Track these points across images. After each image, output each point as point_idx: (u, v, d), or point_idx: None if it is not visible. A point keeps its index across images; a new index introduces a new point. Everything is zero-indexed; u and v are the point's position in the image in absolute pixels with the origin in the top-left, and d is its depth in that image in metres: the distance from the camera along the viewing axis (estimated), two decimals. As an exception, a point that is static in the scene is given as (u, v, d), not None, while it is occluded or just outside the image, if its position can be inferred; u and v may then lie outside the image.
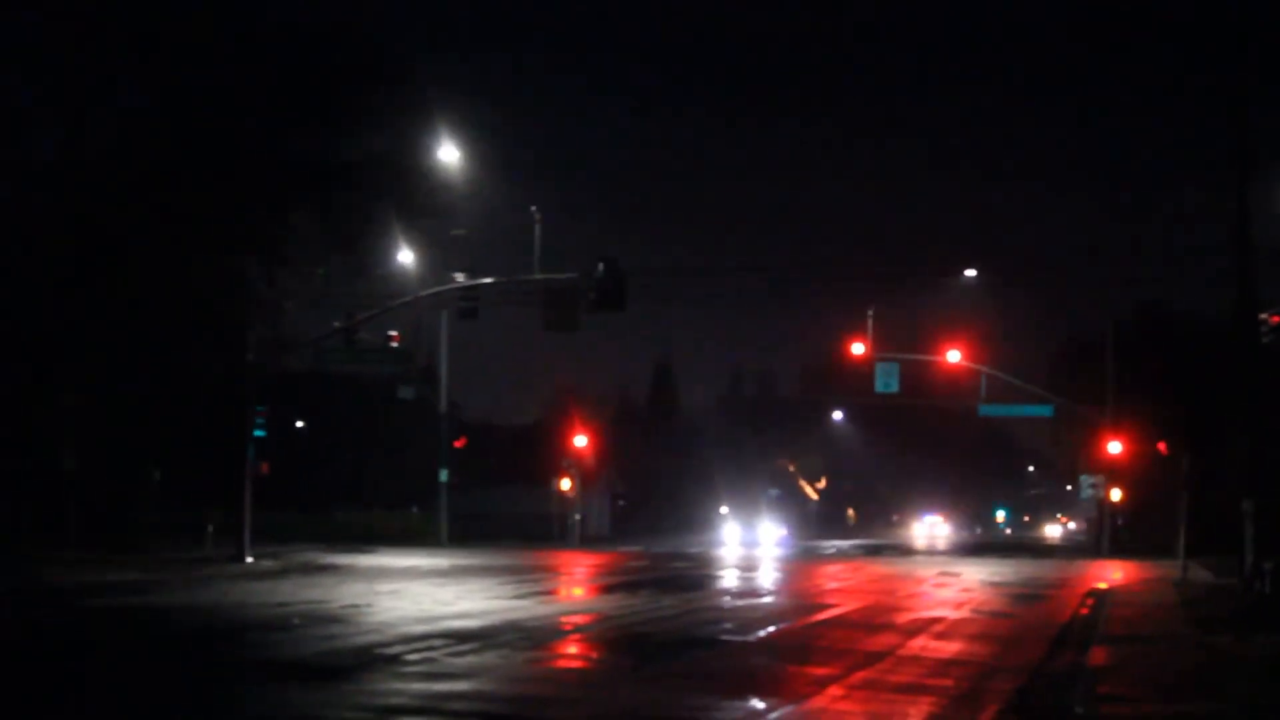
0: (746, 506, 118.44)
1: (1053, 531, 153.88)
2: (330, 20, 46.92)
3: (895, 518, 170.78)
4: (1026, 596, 39.65)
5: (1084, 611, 34.05)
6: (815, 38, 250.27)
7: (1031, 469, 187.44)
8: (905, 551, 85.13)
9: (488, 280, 55.54)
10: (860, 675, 20.06)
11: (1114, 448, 75.25)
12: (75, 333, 45.78)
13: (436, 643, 22.77)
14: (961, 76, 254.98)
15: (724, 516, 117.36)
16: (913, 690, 18.95)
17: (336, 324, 55.35)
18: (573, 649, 24.66)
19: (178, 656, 22.19)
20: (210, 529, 50.06)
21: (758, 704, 17.26)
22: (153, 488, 54.72)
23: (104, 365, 46.65)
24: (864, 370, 77.30)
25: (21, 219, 43.84)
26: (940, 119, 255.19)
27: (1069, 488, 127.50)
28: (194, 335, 48.80)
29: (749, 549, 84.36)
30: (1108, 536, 78.02)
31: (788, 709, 16.98)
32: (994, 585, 44.56)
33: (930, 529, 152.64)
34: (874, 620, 30.00)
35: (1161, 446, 69.05)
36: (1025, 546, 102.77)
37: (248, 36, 45.53)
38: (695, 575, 49.30)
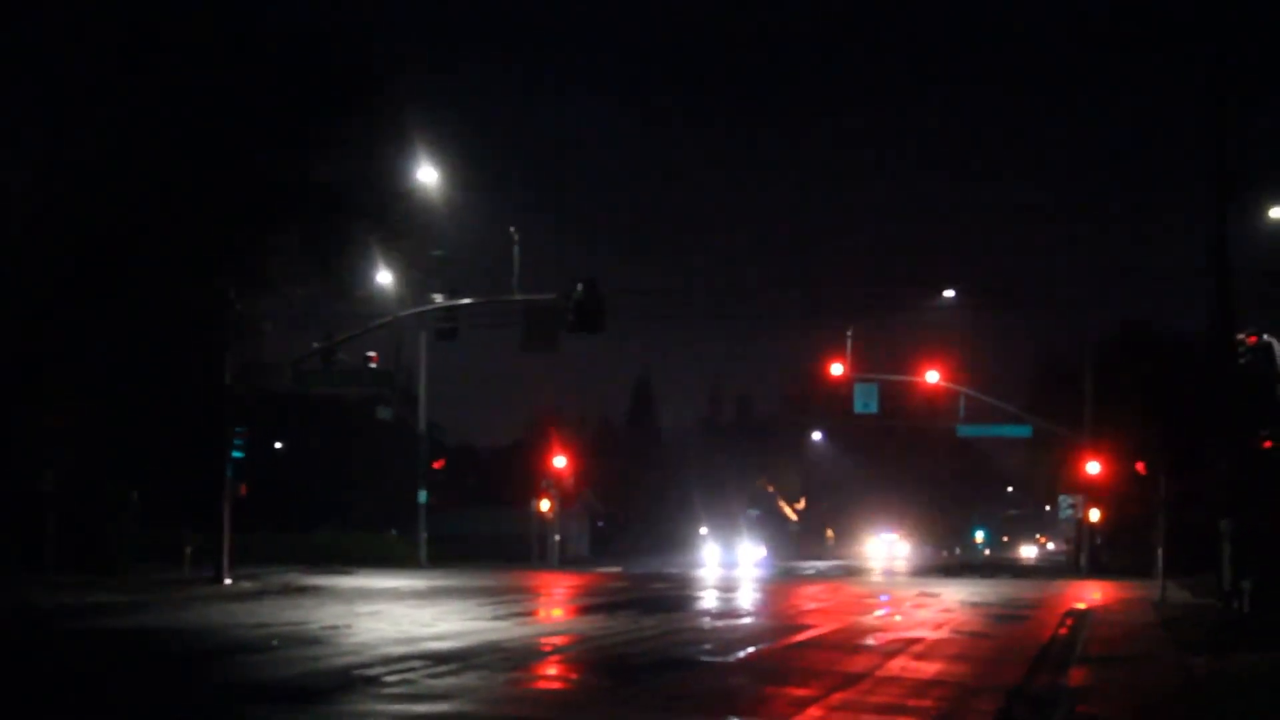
0: (726, 527, 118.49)
1: (1028, 552, 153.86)
2: (308, 42, 46.90)
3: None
4: (1006, 617, 39.68)
5: (1063, 632, 34.09)
6: (791, 56, 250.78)
7: (1010, 489, 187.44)
8: (885, 572, 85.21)
9: (467, 301, 55.53)
10: (839, 696, 20.07)
11: (1092, 468, 75.39)
12: (53, 353, 45.68)
13: (416, 664, 22.74)
14: (940, 97, 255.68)
15: (703, 537, 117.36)
16: (892, 711, 18.98)
17: (315, 345, 55.27)
18: (552, 670, 24.65)
19: (157, 678, 22.12)
20: (189, 550, 49.92)
21: (737, 725, 17.27)
22: (131, 508, 54.55)
23: (82, 385, 46.55)
24: (843, 391, 77.45)
25: (-2, 239, 43.81)
26: (919, 140, 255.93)
27: (1048, 508, 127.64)
28: (173, 356, 48.72)
29: (728, 569, 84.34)
30: (1087, 557, 78.19)
31: (767, 730, 16.99)
32: (973, 605, 44.56)
33: (888, 547, 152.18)
34: (853, 641, 29.99)
35: (1140, 467, 69.04)
36: (1004, 567, 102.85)
37: (226, 57, 45.50)
38: (675, 596, 49.27)
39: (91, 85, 44.75)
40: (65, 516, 43.70)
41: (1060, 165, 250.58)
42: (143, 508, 54.56)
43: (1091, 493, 76.90)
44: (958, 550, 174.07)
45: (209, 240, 46.19)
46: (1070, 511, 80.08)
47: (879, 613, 40.60)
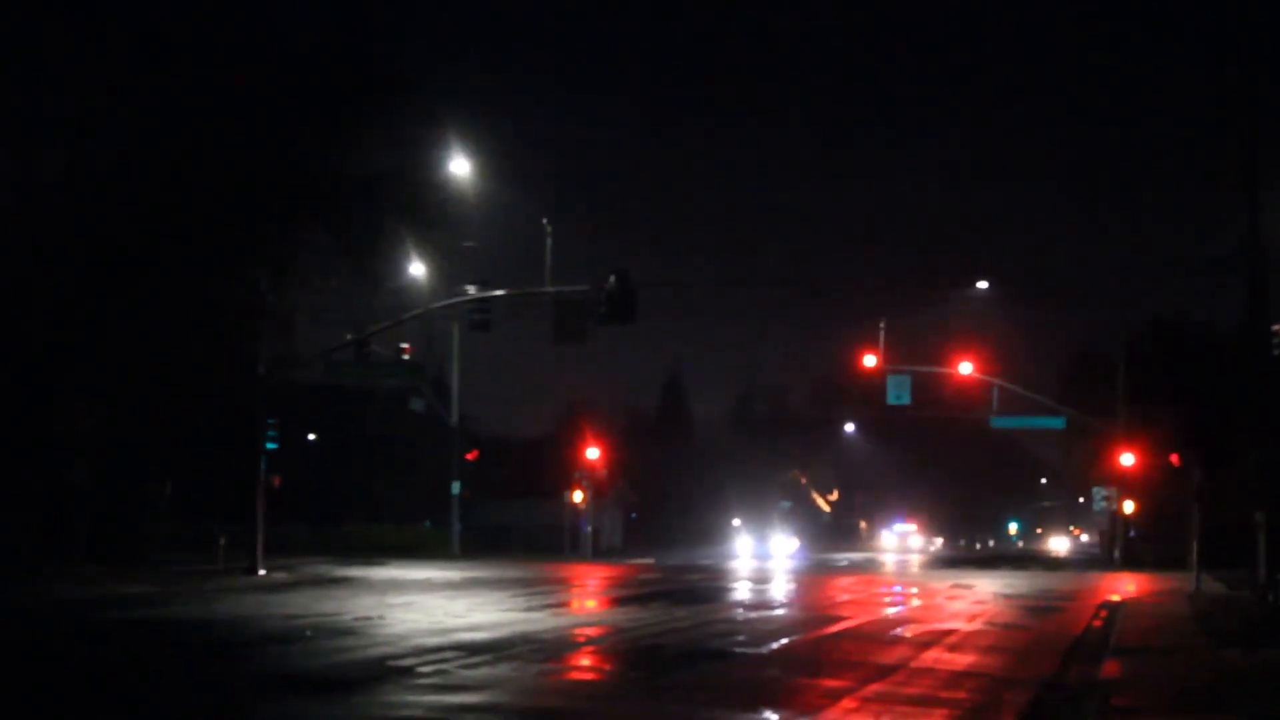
0: (759, 519, 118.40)
1: (1058, 544, 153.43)
2: (340, 33, 46.99)
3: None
4: (1039, 609, 39.58)
5: (1097, 624, 33.97)
6: (820, 49, 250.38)
7: (1044, 481, 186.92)
8: (919, 564, 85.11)
9: (499, 292, 55.49)
10: (873, 688, 20.01)
11: (1126, 460, 75.16)
12: (86, 345, 45.82)
13: (449, 655, 22.74)
14: (973, 88, 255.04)
15: (736, 529, 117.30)
16: (926, 703, 18.90)
17: (349, 336, 55.36)
18: (585, 661, 24.63)
19: (191, 669, 22.17)
20: (222, 541, 50.09)
21: (770, 716, 17.23)
22: (164, 501, 54.77)
23: (115, 378, 46.68)
24: (876, 382, 77.21)
25: (30, 231, 43.89)
26: (952, 130, 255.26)
27: (1081, 500, 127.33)
28: (205, 348, 48.83)
29: (761, 561, 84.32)
30: (1120, 549, 77.96)
31: (801, 721, 16.95)
32: (1007, 597, 44.46)
33: (902, 539, 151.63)
34: (886, 632, 29.94)
35: (1174, 458, 68.83)
36: (1035, 558, 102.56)
37: (257, 50, 45.59)
38: (707, 587, 49.25)
39: (124, 78, 44.87)
40: (98, 509, 43.85)
41: (1094, 158, 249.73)
42: (175, 500, 54.77)
43: (1125, 484, 76.71)
44: (991, 542, 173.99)
45: (241, 232, 46.35)
46: (1104, 503, 79.92)
47: (912, 604, 40.53)
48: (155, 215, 44.63)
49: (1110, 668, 22.89)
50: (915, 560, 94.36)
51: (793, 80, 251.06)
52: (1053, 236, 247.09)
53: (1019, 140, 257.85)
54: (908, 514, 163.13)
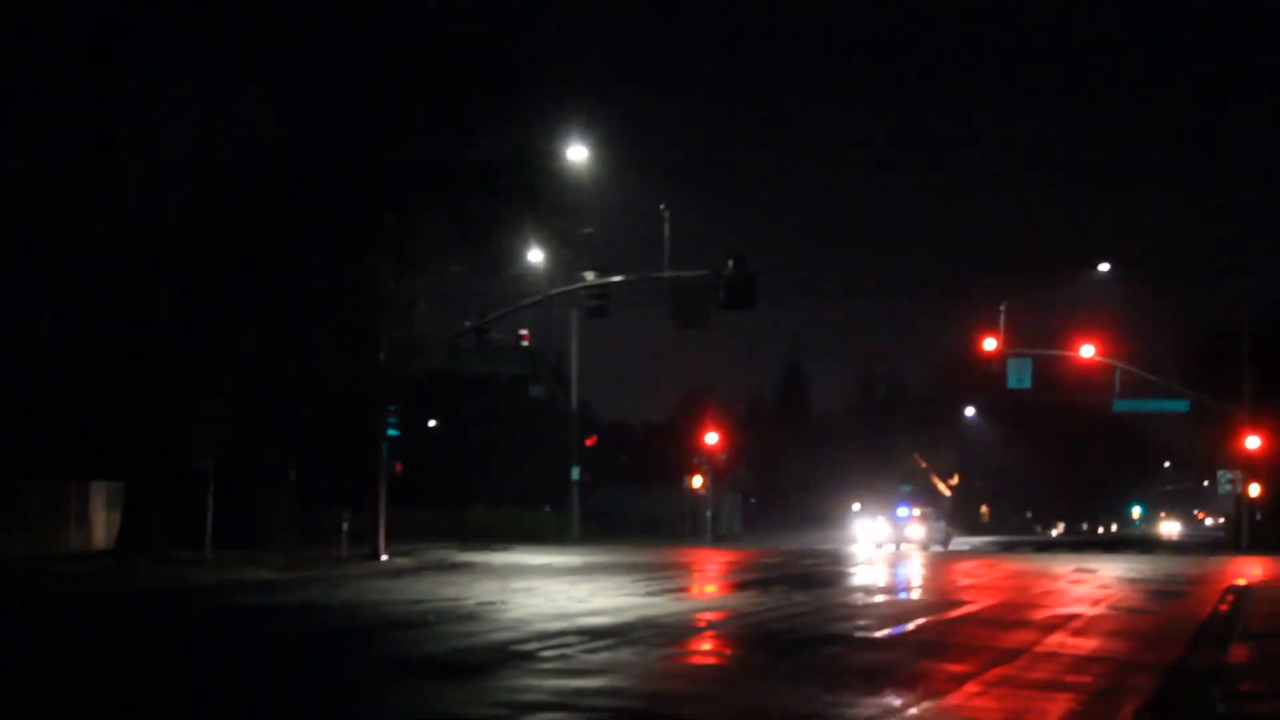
0: (878, 503, 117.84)
1: (1169, 528, 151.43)
2: (460, 21, 47.16)
3: (1029, 514, 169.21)
4: (1164, 593, 39.22)
5: (1224, 608, 33.59)
6: (947, 33, 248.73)
7: (1167, 465, 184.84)
8: (1039, 548, 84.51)
9: (617, 278, 55.44)
10: (997, 672, 19.91)
11: (1252, 443, 74.28)
12: (210, 334, 46.34)
13: (571, 639, 22.84)
14: (1093, 72, 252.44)
15: (856, 513, 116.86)
16: (1050, 687, 18.77)
17: (468, 323, 55.63)
18: (707, 645, 24.66)
19: (316, 653, 22.39)
20: (345, 528, 50.53)
21: (894, 700, 17.16)
22: (288, 488, 55.29)
23: (239, 367, 47.18)
24: (996, 366, 76.67)
25: (155, 221, 44.42)
26: (1076, 114, 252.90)
27: (1205, 483, 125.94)
28: (327, 336, 49.24)
29: (881, 546, 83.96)
30: (1246, 532, 77.02)
31: (924, 705, 16.87)
32: (1131, 582, 44.07)
33: (1022, 525, 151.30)
34: (1009, 617, 29.76)
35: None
36: (1159, 543, 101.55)
37: (378, 38, 45.85)
38: (828, 572, 49.17)
39: (247, 68, 45.28)
40: (224, 496, 44.31)
41: (1218, 137, 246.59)
42: (299, 486, 55.30)
43: (1251, 468, 75.80)
44: (1115, 527, 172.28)
45: (362, 221, 46.66)
46: (1229, 487, 79.02)
47: (1035, 589, 40.22)
48: (277, 204, 45.05)
49: (1238, 652, 22.64)
50: (1037, 545, 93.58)
51: (911, 63, 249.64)
52: (1179, 217, 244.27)
53: (1143, 121, 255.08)
54: (1027, 500, 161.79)
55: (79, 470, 47.25)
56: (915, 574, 49.28)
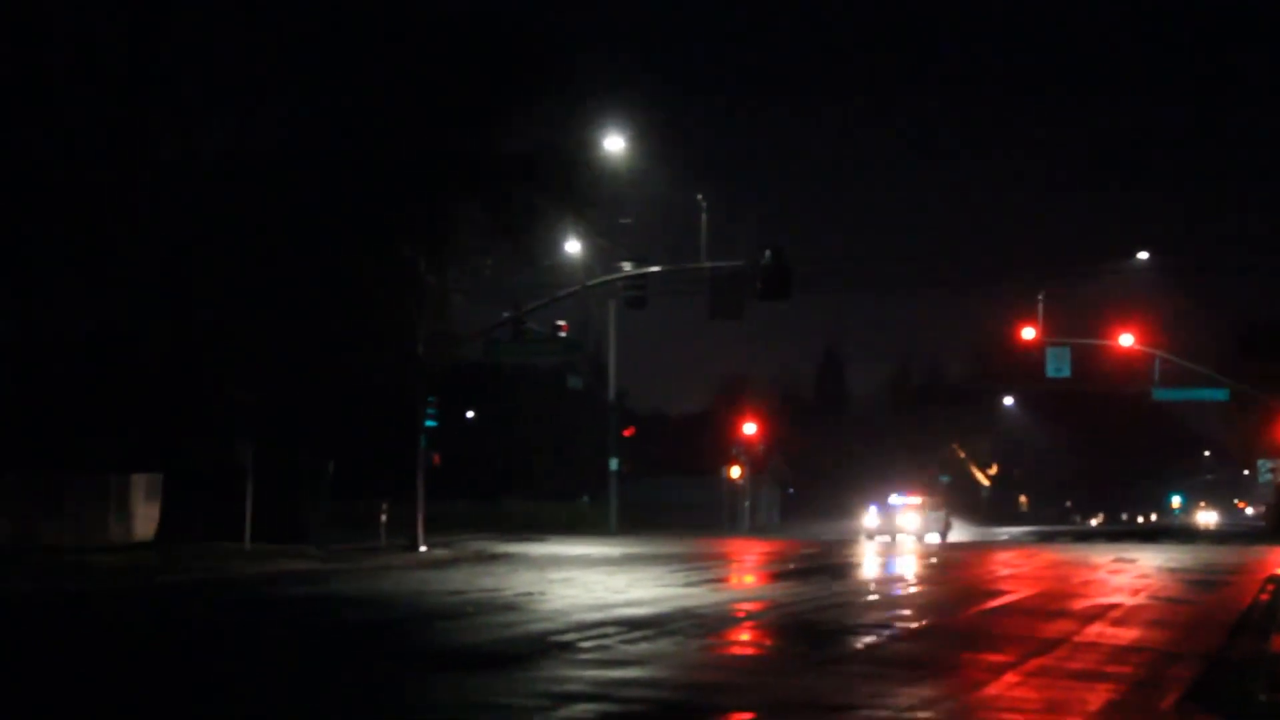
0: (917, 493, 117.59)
1: (1205, 518, 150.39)
2: (497, 12, 47.23)
3: (1068, 504, 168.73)
4: (1204, 583, 39.05)
5: (1264, 598, 33.43)
6: (977, 24, 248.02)
7: (1207, 454, 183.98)
8: (1078, 537, 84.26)
9: (654, 269, 55.37)
10: (1036, 662, 19.87)
11: (1292, 431, 73.97)
12: (248, 325, 46.47)
13: (609, 630, 22.86)
14: (1132, 63, 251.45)
15: (895, 504, 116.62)
16: (1090, 677, 18.72)
17: (505, 314, 55.64)
18: (745, 636, 24.67)
19: (356, 643, 22.46)
20: (384, 519, 50.61)
21: (933, 691, 17.13)
22: (326, 479, 55.38)
23: (277, 358, 47.29)
24: (1034, 355, 76.40)
25: (193, 212, 44.58)
26: (1117, 103, 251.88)
27: (1245, 472, 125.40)
28: (365, 328, 49.30)
29: (919, 536, 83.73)
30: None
31: (964, 696, 16.86)
32: (1170, 571, 43.92)
33: (1061, 515, 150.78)
34: (1049, 607, 29.69)
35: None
36: (1200, 533, 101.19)
37: (414, 28, 45.93)
38: (866, 562, 49.11)
39: (284, 58, 45.39)
40: (262, 488, 44.43)
41: (1260, 125, 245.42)
42: (337, 478, 55.43)
43: (1292, 456, 75.48)
44: (1154, 516, 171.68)
45: (399, 211, 46.73)
46: (1269, 476, 78.74)
47: (1074, 579, 40.11)
48: (315, 195, 45.17)
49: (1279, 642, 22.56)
50: (1076, 535, 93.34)
51: (946, 54, 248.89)
52: (1219, 207, 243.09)
53: (1183, 111, 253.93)
54: (1066, 490, 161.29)
55: (120, 462, 47.43)
56: (954, 564, 49.14)
